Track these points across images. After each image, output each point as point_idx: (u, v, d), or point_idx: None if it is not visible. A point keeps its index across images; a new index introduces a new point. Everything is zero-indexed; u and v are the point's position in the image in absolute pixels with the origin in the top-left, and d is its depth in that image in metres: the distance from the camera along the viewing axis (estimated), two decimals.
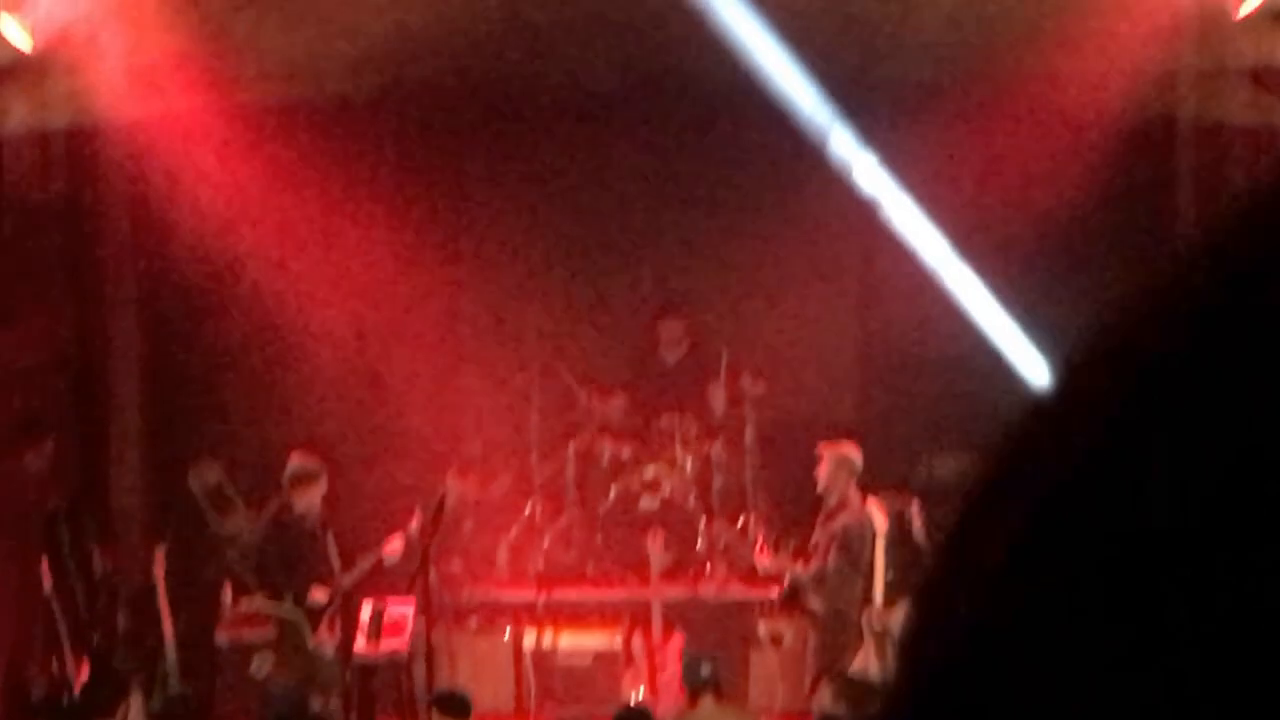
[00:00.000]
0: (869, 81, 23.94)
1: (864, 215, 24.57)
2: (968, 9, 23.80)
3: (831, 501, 22.99)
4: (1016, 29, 23.80)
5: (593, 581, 24.49)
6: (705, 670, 20.27)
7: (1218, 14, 24.34)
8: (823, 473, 23.03)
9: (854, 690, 20.81)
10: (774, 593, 23.86)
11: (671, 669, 22.66)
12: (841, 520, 22.83)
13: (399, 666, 22.64)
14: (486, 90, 24.76)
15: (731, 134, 25.32)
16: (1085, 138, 24.60)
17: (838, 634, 22.76)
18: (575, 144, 25.53)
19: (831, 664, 22.53)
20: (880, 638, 22.55)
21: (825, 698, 21.02)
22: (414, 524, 22.83)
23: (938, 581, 1.48)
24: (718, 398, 25.15)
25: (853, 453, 23.09)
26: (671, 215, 25.58)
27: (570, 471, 25.01)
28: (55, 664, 23.35)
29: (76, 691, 22.43)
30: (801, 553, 23.28)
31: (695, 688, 20.21)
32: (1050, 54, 24.00)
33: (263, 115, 24.97)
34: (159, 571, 24.23)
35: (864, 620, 22.70)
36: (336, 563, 22.81)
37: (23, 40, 24.40)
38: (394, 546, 22.77)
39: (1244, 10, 24.13)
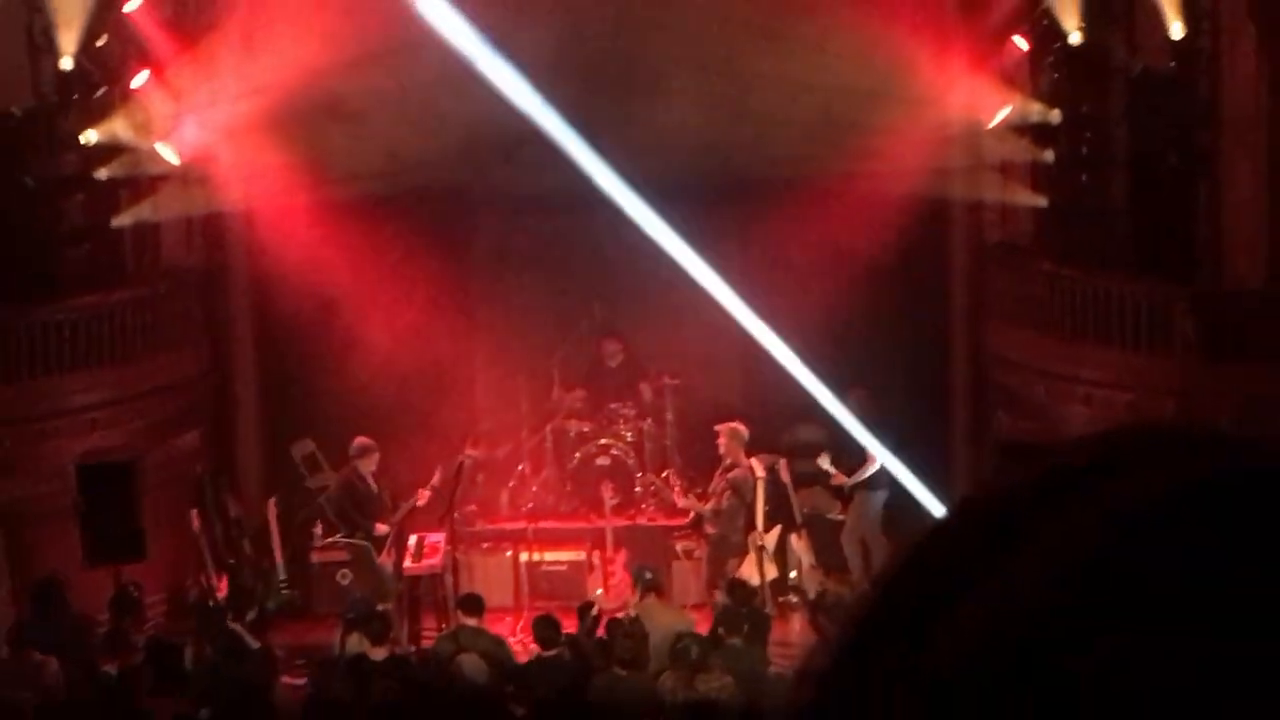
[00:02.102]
0: (739, 178, 23.94)
1: (740, 271, 24.54)
2: (808, 129, 23.86)
3: (728, 461, 23.04)
4: (836, 137, 23.90)
5: (565, 516, 24.34)
6: (649, 576, 20.27)
7: (975, 125, 24.49)
8: (722, 442, 23.12)
9: (739, 588, 20.76)
10: (687, 522, 23.96)
11: (620, 575, 22.70)
12: (734, 473, 22.89)
13: (435, 578, 22.68)
14: (492, 189, 24.72)
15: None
16: (887, 209, 24.40)
17: (729, 551, 22.84)
18: (550, 231, 25.50)
19: (717, 571, 22.64)
20: (759, 551, 22.61)
21: (720, 593, 20.99)
22: (436, 479, 22.84)
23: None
24: (647, 391, 25.09)
25: (741, 428, 23.17)
26: (609, 277, 25.50)
27: (549, 442, 24.89)
28: (203, 579, 23.35)
29: (217, 599, 22.46)
30: (704, 495, 23.30)
31: (643, 588, 20.06)
32: (861, 154, 24.10)
33: (338, 205, 24.93)
34: (272, 515, 24.32)
35: (749, 540, 22.77)
36: (390, 508, 22.93)
37: (173, 157, 24.48)
38: (424, 496, 22.77)
39: (992, 124, 24.33)
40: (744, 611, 19.38)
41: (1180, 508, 1.14)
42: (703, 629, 19.18)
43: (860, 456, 23.58)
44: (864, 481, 23.54)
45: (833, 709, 1.22)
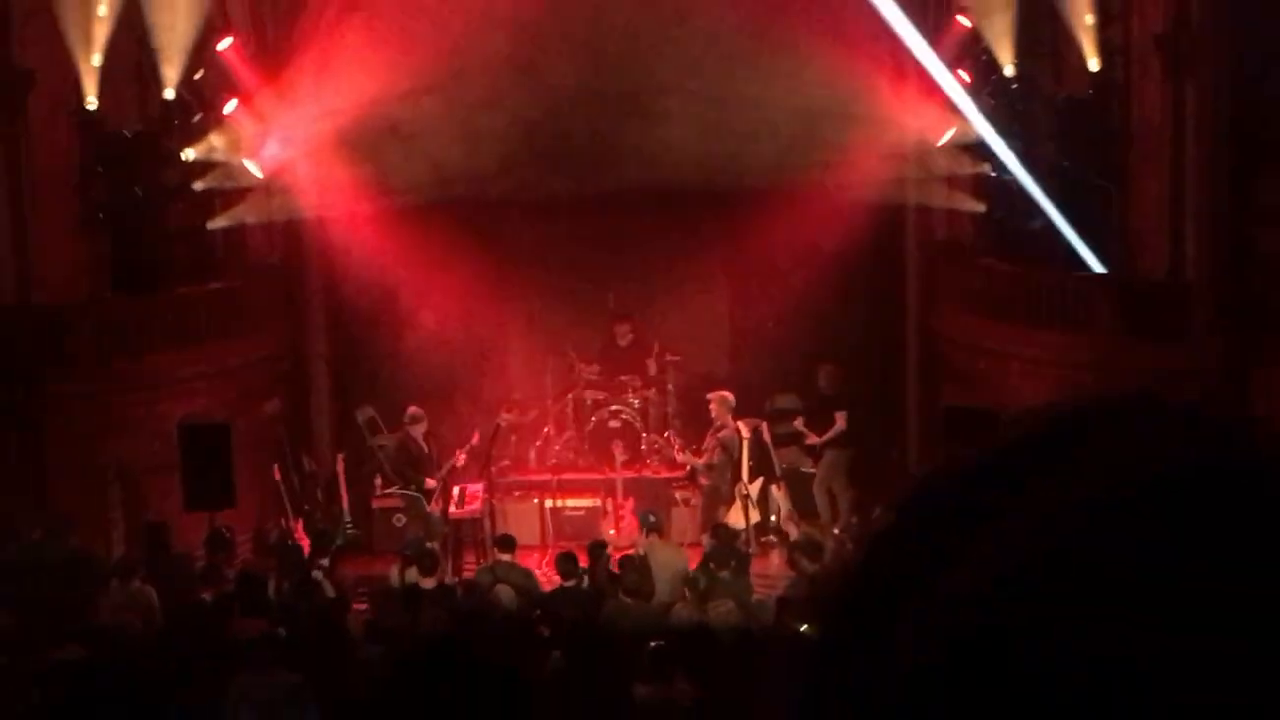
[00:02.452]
0: (724, 186, 24.00)
1: (727, 265, 24.65)
2: (782, 144, 23.93)
3: (718, 423, 23.11)
4: (807, 153, 23.96)
5: (583, 469, 24.27)
6: (653, 519, 20.29)
7: (926, 143, 24.53)
8: (713, 407, 23.19)
9: (722, 530, 20.75)
10: (684, 475, 24.04)
11: (629, 519, 22.69)
12: (723, 433, 22.95)
13: (475, 521, 22.80)
14: (523, 196, 24.70)
15: (652, 222, 25.32)
16: (850, 213, 24.48)
17: (719, 499, 22.92)
18: (571, 231, 25.50)
19: (709, 516, 22.68)
20: (745, 499, 22.66)
21: (707, 536, 20.99)
22: (475, 440, 22.93)
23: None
24: (652, 366, 25.03)
25: (729, 396, 23.24)
26: (621, 270, 25.51)
27: (570, 408, 24.90)
28: (283, 522, 23.45)
29: (295, 539, 22.55)
30: (699, 452, 23.35)
31: (648, 529, 20.12)
32: (828, 167, 24.19)
33: (395, 211, 24.95)
34: (340, 469, 24.36)
35: (736, 490, 22.86)
36: (437, 465, 22.98)
37: (258, 171, 24.56)
38: (461, 457, 22.80)
39: (941, 141, 24.36)
40: (729, 550, 19.46)
41: (1138, 500, 1.06)
42: (695, 564, 19.25)
43: (829, 420, 23.68)
44: (832, 440, 23.62)
45: (810, 694, 1.14)
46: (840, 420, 23.49)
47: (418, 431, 22.87)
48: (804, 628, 12.75)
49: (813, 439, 23.74)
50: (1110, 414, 1.16)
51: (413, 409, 23.06)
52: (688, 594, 17.39)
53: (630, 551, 19.70)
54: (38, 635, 14.74)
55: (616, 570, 18.42)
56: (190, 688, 12.10)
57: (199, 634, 15.17)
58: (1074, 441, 1.13)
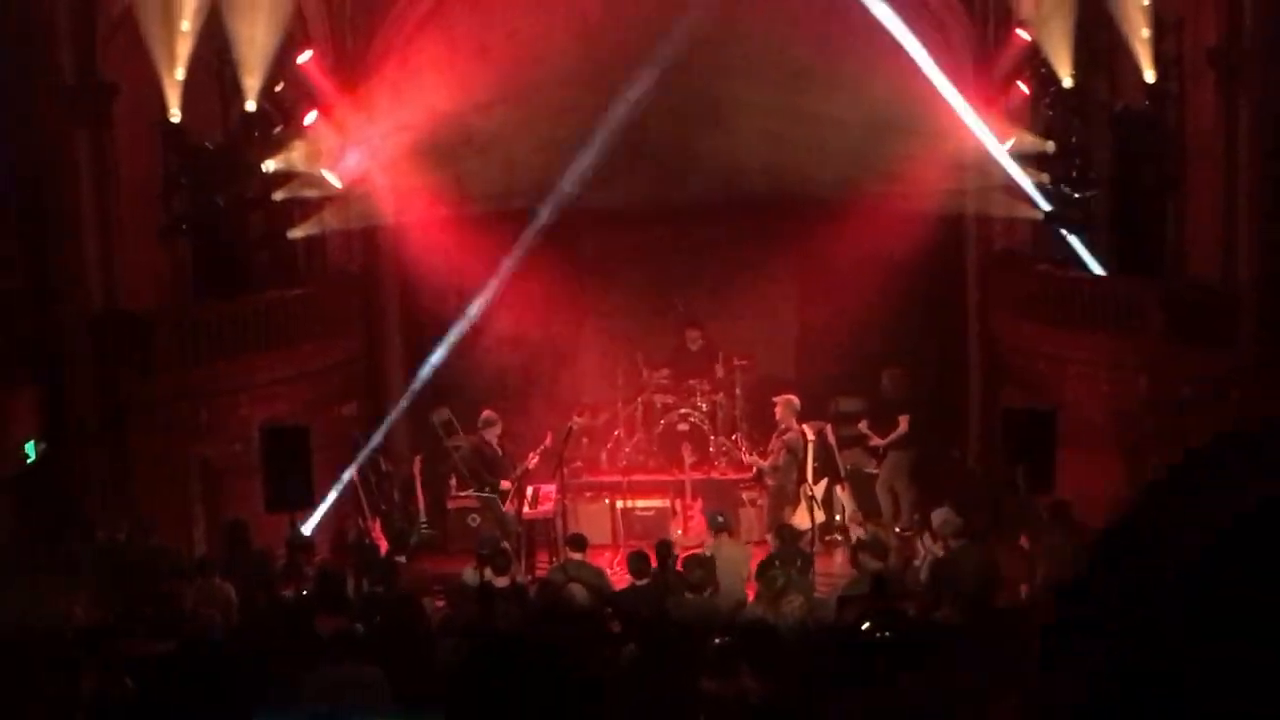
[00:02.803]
0: (791, 197, 24.05)
1: (795, 273, 24.63)
2: (848, 156, 23.91)
3: (782, 426, 23.10)
4: (871, 164, 23.97)
5: (652, 471, 24.40)
6: (721, 519, 20.14)
7: (985, 154, 24.49)
8: (778, 410, 23.17)
9: (786, 531, 20.67)
10: (751, 476, 24.05)
11: (697, 518, 22.83)
12: (787, 435, 22.91)
13: (548, 521, 22.87)
14: (594, 204, 24.70)
15: (721, 232, 25.37)
16: (912, 222, 24.60)
17: (785, 499, 22.88)
18: (641, 239, 25.54)
19: (775, 516, 22.62)
20: (809, 500, 22.64)
21: (774, 536, 20.91)
22: (548, 442, 22.92)
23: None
24: (719, 370, 25.08)
25: (794, 399, 23.18)
26: (690, 277, 25.55)
27: (640, 411, 25.01)
28: (360, 522, 23.57)
29: (372, 538, 22.65)
30: (765, 454, 23.39)
31: (716, 529, 20.00)
32: (891, 177, 24.17)
33: (470, 219, 25.12)
34: (416, 470, 24.55)
35: (801, 490, 22.87)
36: (511, 467, 23.01)
37: (336, 182, 24.69)
38: (533, 460, 22.85)
39: (1000, 151, 24.34)
40: (793, 550, 19.41)
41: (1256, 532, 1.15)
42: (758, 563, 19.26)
43: (892, 422, 23.71)
44: (895, 442, 23.66)
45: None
46: (903, 423, 23.54)
47: (492, 434, 22.95)
48: (864, 626, 12.83)
49: (876, 441, 23.76)
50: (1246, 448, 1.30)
51: (487, 412, 23.16)
52: (761, 590, 17.38)
53: (697, 550, 19.69)
54: (125, 630, 14.88)
55: (682, 568, 18.40)
56: (271, 681, 12.22)
57: (280, 629, 15.27)
58: (1216, 471, 1.31)
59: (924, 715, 10.09)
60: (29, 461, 21.10)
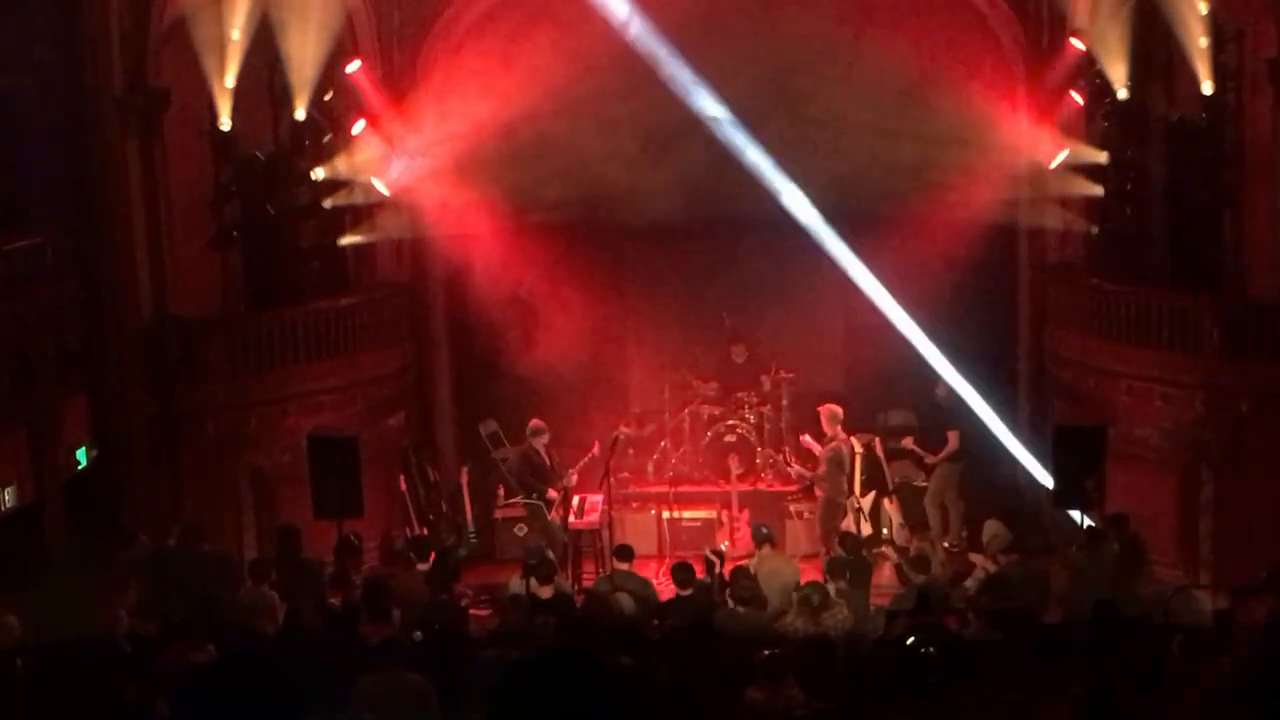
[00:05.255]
0: (840, 210, 24.09)
1: (842, 286, 24.57)
2: (898, 168, 23.86)
3: (827, 436, 23.11)
4: (927, 178, 23.93)
5: (699, 482, 24.45)
6: (765, 531, 20.09)
7: (1039, 166, 24.45)
8: (823, 421, 23.18)
9: (849, 539, 20.42)
10: (799, 489, 24.11)
11: (743, 530, 22.88)
12: (831, 446, 22.98)
13: (595, 532, 22.86)
14: (642, 218, 24.71)
15: (766, 245, 25.37)
16: (968, 235, 24.57)
17: (835, 511, 22.96)
18: (688, 253, 25.53)
19: (827, 527, 22.65)
20: (856, 513, 22.74)
21: (839, 544, 20.79)
22: (595, 451, 23.00)
23: None
24: (766, 383, 25.12)
25: (838, 409, 23.12)
26: (738, 290, 25.55)
27: (686, 423, 25.04)
28: (408, 531, 23.66)
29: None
30: (812, 465, 23.45)
31: (759, 540, 19.95)
32: (945, 189, 24.12)
33: (517, 231, 25.20)
34: (464, 480, 24.67)
35: (848, 503, 22.89)
36: (559, 476, 23.02)
37: (385, 190, 24.78)
38: (573, 476, 22.94)
39: (1053, 164, 24.27)
40: (849, 559, 19.32)
41: None
42: (810, 574, 19.23)
43: (942, 435, 23.70)
44: (945, 455, 23.66)
45: None
46: (953, 439, 23.54)
47: (540, 443, 22.99)
48: (909, 641, 12.84)
49: (930, 458, 23.73)
50: None
51: (535, 421, 23.23)
52: (798, 607, 17.38)
53: (744, 562, 19.70)
54: (172, 637, 14.96)
55: (728, 580, 18.41)
56: (318, 689, 12.30)
57: (328, 636, 15.35)
58: None
59: None
60: (80, 468, 21.27)
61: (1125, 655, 12.48)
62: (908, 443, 24.02)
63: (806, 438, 23.33)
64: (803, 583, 17.93)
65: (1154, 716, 9.97)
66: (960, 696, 10.87)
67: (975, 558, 20.98)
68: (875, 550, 22.87)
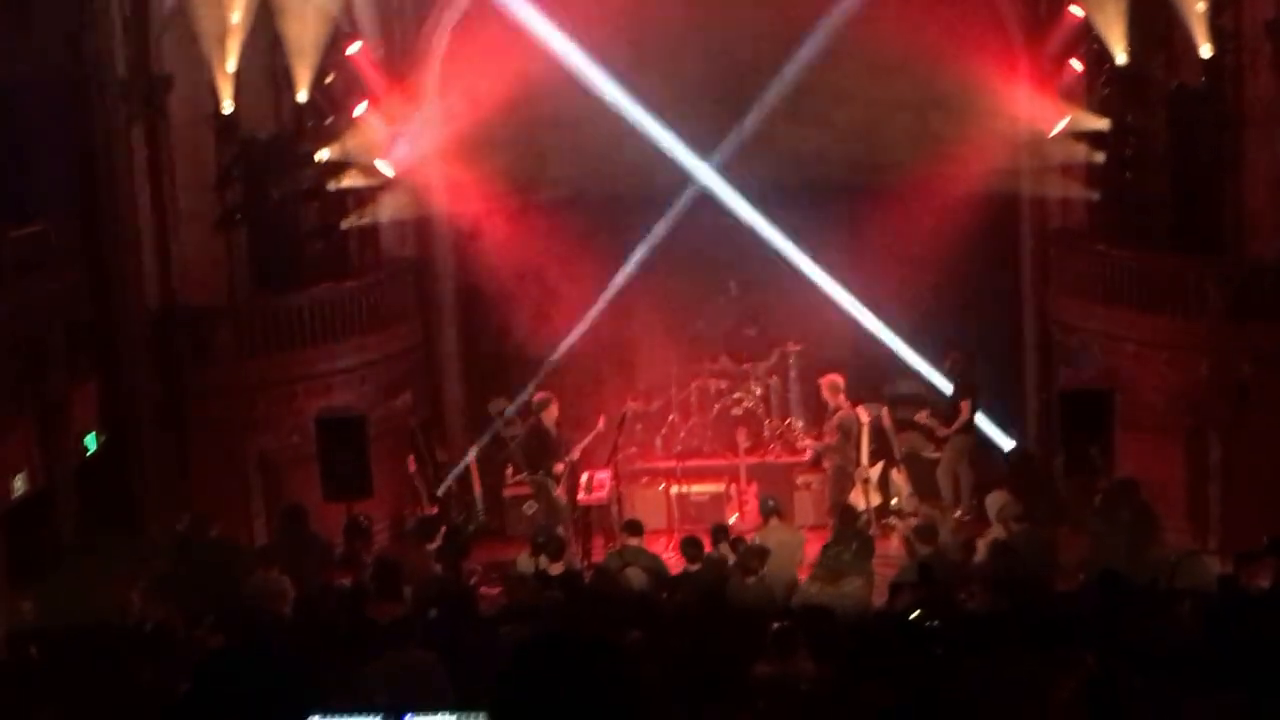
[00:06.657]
0: (842, 181, 24.11)
1: (851, 258, 24.56)
2: (899, 138, 23.87)
3: (833, 407, 23.15)
4: (928, 148, 23.94)
5: (707, 456, 24.38)
6: (772, 503, 20.14)
7: (1039, 133, 24.42)
8: (824, 391, 23.23)
9: (849, 513, 20.67)
10: (807, 460, 24.10)
11: (751, 503, 22.88)
12: (838, 416, 23.01)
13: (603, 507, 22.85)
14: (646, 194, 24.79)
15: (773, 220, 25.27)
16: (968, 204, 24.41)
17: (841, 482, 22.98)
18: (694, 227, 25.40)
19: (837, 498, 22.60)
20: (865, 484, 22.75)
21: (833, 518, 20.88)
22: (601, 425, 23.12)
23: None
24: (774, 354, 25.12)
25: (838, 378, 23.26)
26: (743, 264, 25.42)
27: (694, 397, 24.99)
28: (418, 511, 23.64)
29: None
30: (820, 436, 23.45)
31: (766, 513, 20.01)
32: (946, 158, 24.12)
33: (522, 209, 25.21)
34: (472, 458, 24.64)
35: (856, 474, 22.90)
36: (567, 450, 23.06)
37: (389, 171, 24.78)
38: (587, 442, 23.04)
39: (1053, 132, 24.23)
40: (851, 532, 19.38)
41: None
42: (816, 545, 19.26)
43: (952, 404, 23.68)
44: (958, 426, 23.62)
45: None
46: (965, 410, 23.51)
47: (549, 417, 22.90)
48: (913, 614, 12.87)
49: (943, 431, 23.68)
50: None
51: (541, 394, 23.25)
52: (817, 571, 17.41)
53: (751, 535, 19.72)
54: (183, 621, 14.99)
55: (736, 553, 18.43)
56: (328, 669, 12.31)
57: (337, 617, 15.36)
58: None
59: (982, 700, 10.12)
60: (89, 454, 21.31)
61: (1132, 623, 12.46)
62: (921, 418, 24.00)
63: (804, 437, 23.45)
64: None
65: (1159, 692, 9.95)
66: (972, 667, 10.85)
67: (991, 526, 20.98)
68: (883, 521, 22.95)
